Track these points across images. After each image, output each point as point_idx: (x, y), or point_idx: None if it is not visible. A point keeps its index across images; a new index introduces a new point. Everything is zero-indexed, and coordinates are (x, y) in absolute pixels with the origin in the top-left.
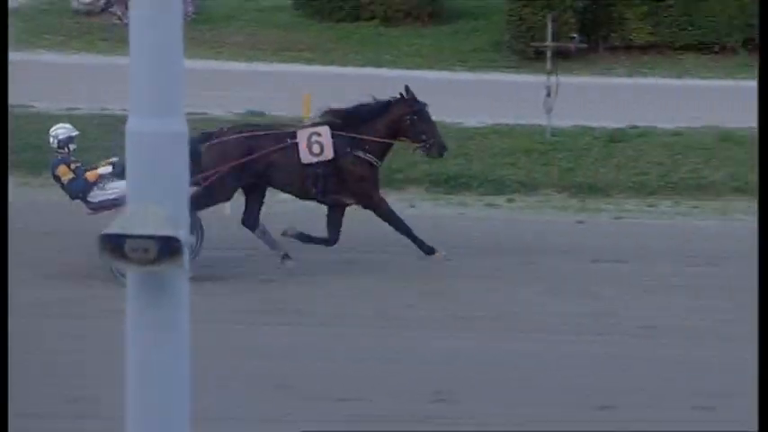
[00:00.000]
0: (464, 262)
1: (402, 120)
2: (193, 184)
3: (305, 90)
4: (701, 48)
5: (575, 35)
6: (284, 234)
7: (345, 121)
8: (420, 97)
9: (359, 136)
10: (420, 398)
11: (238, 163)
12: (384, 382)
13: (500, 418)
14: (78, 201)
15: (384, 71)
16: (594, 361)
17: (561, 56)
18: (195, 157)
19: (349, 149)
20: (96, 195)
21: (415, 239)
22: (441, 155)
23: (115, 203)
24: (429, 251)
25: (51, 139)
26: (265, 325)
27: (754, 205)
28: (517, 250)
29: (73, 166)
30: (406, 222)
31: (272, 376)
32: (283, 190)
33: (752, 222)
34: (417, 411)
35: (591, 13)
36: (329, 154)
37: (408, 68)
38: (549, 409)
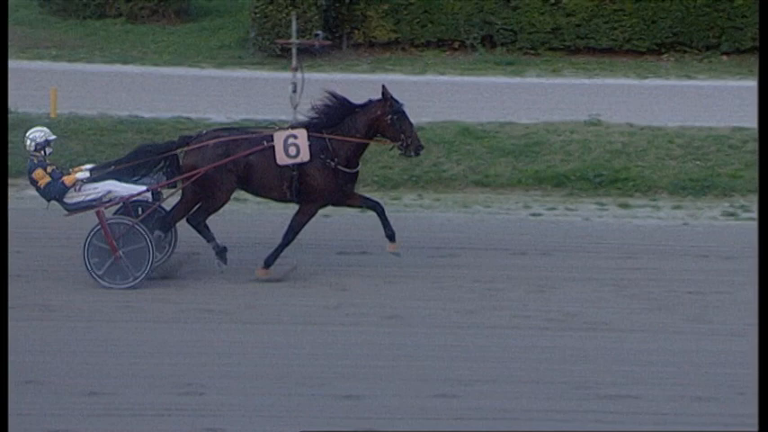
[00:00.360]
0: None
1: (382, 120)
2: (172, 185)
3: (52, 86)
4: (441, 45)
5: (318, 32)
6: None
7: (325, 121)
8: (166, 93)
9: (337, 137)
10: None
11: (216, 165)
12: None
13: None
14: (54, 202)
15: (131, 68)
16: (339, 350)
17: (306, 53)
18: (174, 159)
19: (322, 154)
20: (73, 197)
21: (278, 251)
22: (417, 153)
23: (92, 204)
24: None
25: (28, 143)
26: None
27: (493, 197)
28: (260, 244)
29: (49, 169)
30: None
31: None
32: (261, 194)
33: (489, 215)
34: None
35: (334, 11)
36: (305, 156)
37: (156, 65)
38: (293, 399)
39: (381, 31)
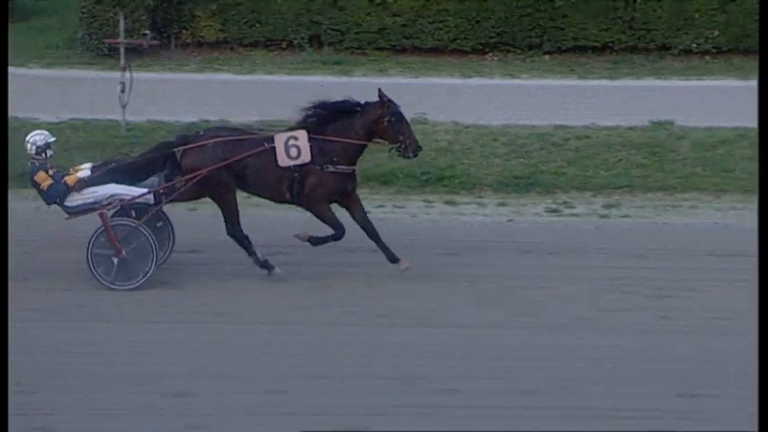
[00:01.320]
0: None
1: (380, 122)
2: (170, 184)
3: None
4: (269, 44)
5: (147, 32)
6: (297, 236)
7: (323, 123)
8: None
9: (336, 139)
10: None
11: (217, 166)
12: None
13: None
14: (55, 206)
15: None
16: (170, 348)
17: (134, 52)
18: (173, 159)
19: (323, 155)
20: (74, 200)
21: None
22: (416, 155)
23: (93, 207)
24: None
25: (29, 146)
26: None
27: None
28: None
29: (51, 171)
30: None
31: None
32: (261, 195)
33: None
34: None
35: (162, 10)
36: (306, 157)
37: None
38: (122, 396)
39: (209, 31)
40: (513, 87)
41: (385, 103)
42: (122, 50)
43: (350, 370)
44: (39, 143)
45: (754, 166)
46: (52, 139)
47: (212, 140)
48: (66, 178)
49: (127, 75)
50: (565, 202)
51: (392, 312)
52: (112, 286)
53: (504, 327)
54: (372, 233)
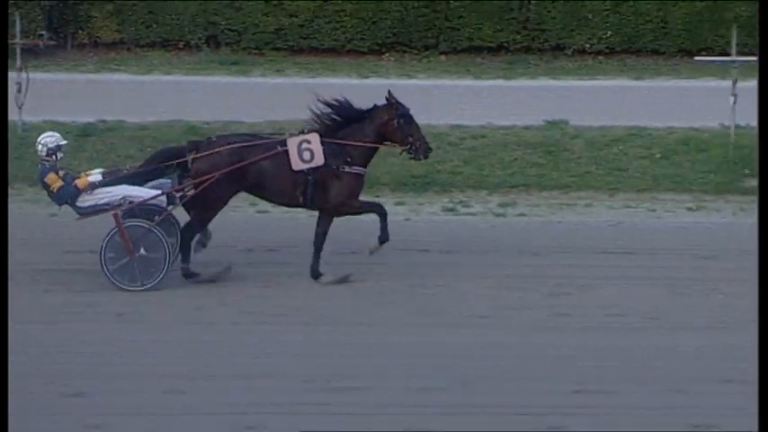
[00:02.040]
0: None
1: (389, 124)
2: (179, 190)
3: None
4: (166, 45)
5: (43, 32)
6: (371, 252)
7: (334, 126)
8: None
9: (347, 142)
10: None
11: (232, 170)
12: None
13: None
14: (67, 207)
15: None
16: (70, 347)
17: (30, 53)
18: (183, 165)
19: (337, 157)
20: (86, 200)
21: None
22: (426, 156)
23: (104, 208)
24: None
25: (40, 147)
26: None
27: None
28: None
29: (61, 173)
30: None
31: None
32: (274, 200)
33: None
34: None
35: (58, 10)
36: (320, 161)
37: None
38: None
39: (106, 32)
40: (409, 87)
41: (393, 105)
42: (18, 51)
43: (249, 369)
44: (50, 145)
45: (647, 165)
46: (63, 141)
47: (225, 147)
48: (77, 181)
49: (23, 75)
50: (461, 201)
51: (292, 311)
52: (125, 287)
53: (402, 325)
54: (318, 246)
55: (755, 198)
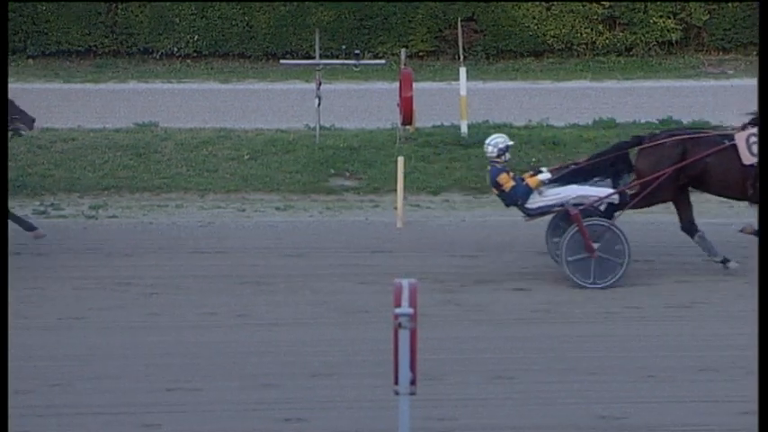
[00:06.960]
0: None
1: None
2: (635, 183)
3: None
4: None
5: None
6: (742, 231)
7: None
8: None
9: None
10: None
11: (678, 166)
12: None
13: None
14: (514, 208)
15: None
16: None
17: None
18: (625, 159)
19: None
20: (535, 201)
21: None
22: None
23: (552, 209)
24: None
25: (490, 149)
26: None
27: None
28: None
29: (511, 174)
30: None
31: None
32: (720, 193)
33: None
34: None
35: None
36: None
37: None
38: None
39: None
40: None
41: None
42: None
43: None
44: (500, 145)
45: (236, 166)
46: (511, 142)
47: (670, 140)
48: (528, 180)
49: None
50: (52, 204)
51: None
52: (592, 286)
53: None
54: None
55: (341, 197)
